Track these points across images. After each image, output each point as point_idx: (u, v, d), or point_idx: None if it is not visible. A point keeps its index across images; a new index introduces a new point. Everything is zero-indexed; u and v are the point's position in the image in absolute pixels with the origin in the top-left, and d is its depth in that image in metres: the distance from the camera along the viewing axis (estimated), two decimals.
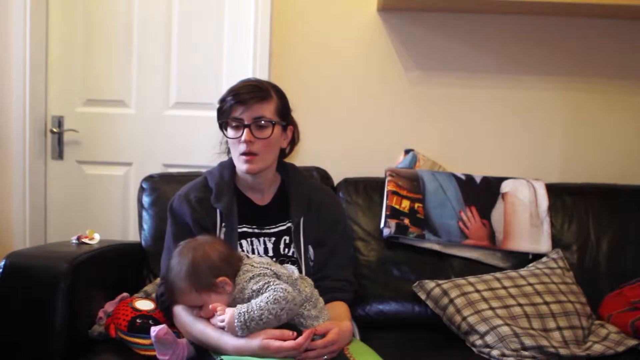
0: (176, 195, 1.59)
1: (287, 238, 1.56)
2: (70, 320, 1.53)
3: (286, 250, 1.55)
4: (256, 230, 1.55)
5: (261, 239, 1.55)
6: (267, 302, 1.28)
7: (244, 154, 1.50)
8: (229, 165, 1.62)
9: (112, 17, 2.41)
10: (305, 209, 1.58)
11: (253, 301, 1.30)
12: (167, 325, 1.39)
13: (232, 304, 1.35)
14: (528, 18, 2.30)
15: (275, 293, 1.29)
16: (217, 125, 1.67)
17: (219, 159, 1.69)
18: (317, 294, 1.44)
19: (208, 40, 2.40)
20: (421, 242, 1.99)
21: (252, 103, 1.49)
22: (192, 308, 1.39)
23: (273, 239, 1.56)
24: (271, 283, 1.32)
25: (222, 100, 1.53)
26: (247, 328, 1.27)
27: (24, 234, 2.40)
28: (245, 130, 1.48)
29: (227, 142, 1.62)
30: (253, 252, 1.53)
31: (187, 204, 1.54)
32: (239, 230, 1.54)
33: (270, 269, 1.37)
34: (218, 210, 1.53)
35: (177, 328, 1.46)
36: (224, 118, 1.51)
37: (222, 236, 1.52)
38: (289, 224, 1.57)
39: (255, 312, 1.27)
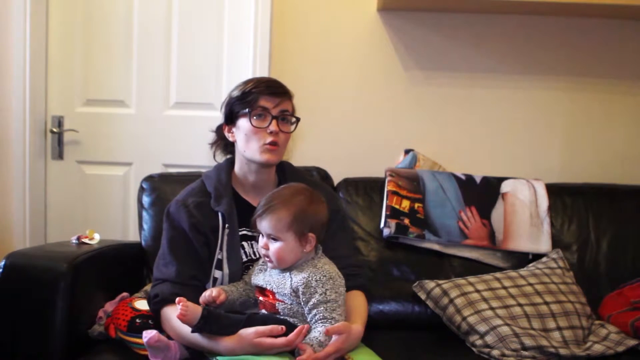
0: (173, 201, 1.57)
1: None
2: (70, 320, 1.53)
3: None
4: (255, 234, 1.55)
5: None
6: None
7: (269, 143, 1.49)
8: (225, 167, 1.61)
9: (112, 17, 2.41)
10: None
11: (314, 334, 1.31)
12: (158, 332, 1.39)
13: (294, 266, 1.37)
14: (528, 18, 2.30)
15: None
16: (216, 125, 1.66)
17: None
18: None
19: (208, 40, 2.40)
20: (421, 242, 1.99)
21: (282, 97, 1.51)
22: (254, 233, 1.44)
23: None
24: (338, 320, 1.33)
25: (246, 92, 1.51)
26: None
27: (24, 234, 2.40)
28: (273, 121, 1.49)
29: (217, 144, 1.64)
30: (254, 255, 1.53)
31: (185, 209, 1.52)
32: (240, 233, 1.53)
33: (342, 292, 1.38)
34: (220, 214, 1.52)
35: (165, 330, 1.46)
36: (249, 107, 1.50)
37: (224, 239, 1.51)
38: None
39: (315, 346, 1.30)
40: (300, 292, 1.33)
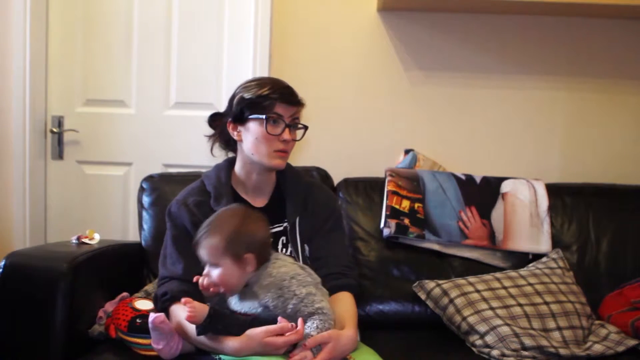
0: (174, 201, 1.58)
1: (284, 238, 1.56)
2: (70, 320, 1.53)
3: (284, 250, 1.55)
4: None
5: None
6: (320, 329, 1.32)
7: (281, 150, 1.50)
8: (225, 167, 1.62)
9: (112, 17, 2.41)
10: (301, 208, 1.58)
11: (309, 327, 1.31)
12: (164, 315, 1.39)
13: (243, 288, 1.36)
14: (528, 18, 2.30)
15: (325, 323, 1.32)
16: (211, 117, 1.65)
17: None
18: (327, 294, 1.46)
19: (208, 40, 2.40)
20: (421, 242, 1.99)
21: (298, 107, 1.52)
22: (196, 266, 1.39)
23: (271, 240, 1.55)
24: (323, 308, 1.33)
25: (263, 96, 1.49)
26: None
27: (24, 234, 2.40)
28: (286, 130, 1.50)
29: (214, 143, 1.63)
30: None
31: (185, 209, 1.53)
32: None
33: (312, 279, 1.38)
34: None
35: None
36: (265, 113, 1.48)
37: None
38: (286, 224, 1.57)
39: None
40: (272, 306, 1.32)
